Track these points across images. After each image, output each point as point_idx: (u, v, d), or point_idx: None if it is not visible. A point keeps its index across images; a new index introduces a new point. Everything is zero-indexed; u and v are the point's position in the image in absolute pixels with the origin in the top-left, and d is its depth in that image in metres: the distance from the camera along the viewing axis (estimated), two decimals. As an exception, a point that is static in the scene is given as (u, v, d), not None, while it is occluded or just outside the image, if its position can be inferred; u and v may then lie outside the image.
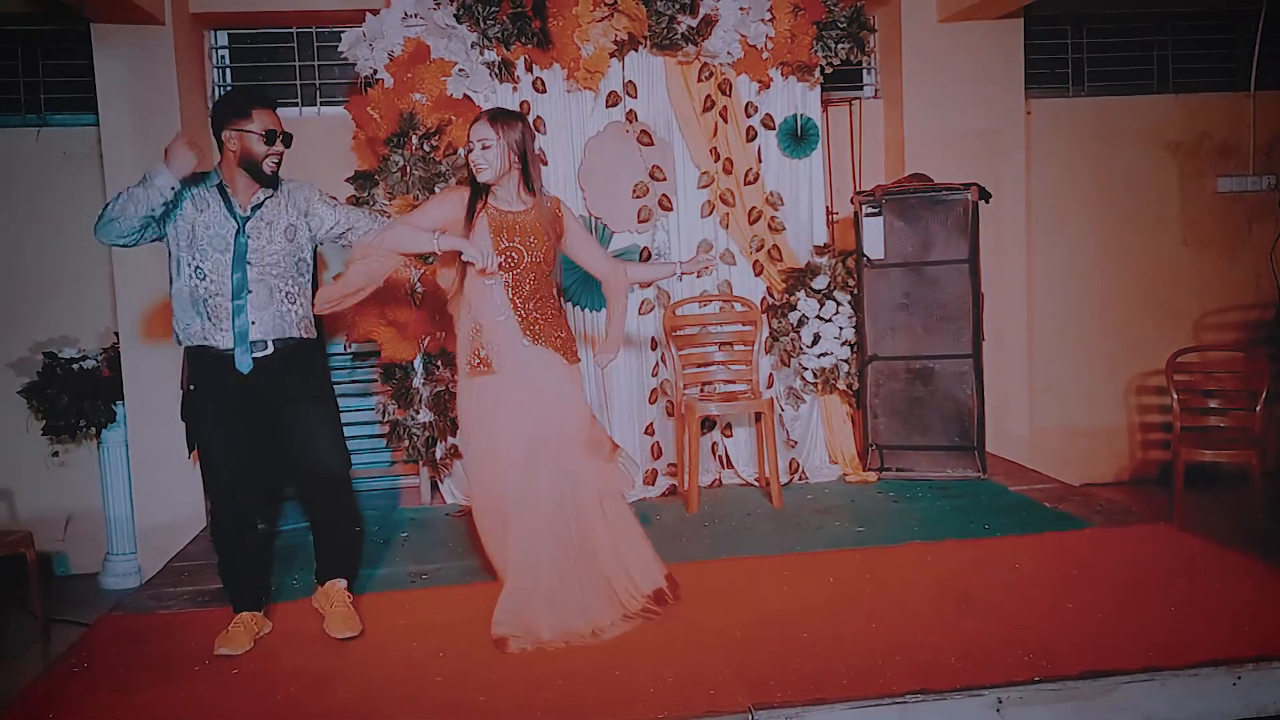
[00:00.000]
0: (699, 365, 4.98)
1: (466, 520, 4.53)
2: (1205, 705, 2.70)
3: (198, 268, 3.24)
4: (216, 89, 5.58)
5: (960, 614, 3.18)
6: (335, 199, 3.51)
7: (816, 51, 4.97)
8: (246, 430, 3.33)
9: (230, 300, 3.24)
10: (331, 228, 3.45)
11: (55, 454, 5.43)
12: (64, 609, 4.87)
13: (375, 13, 4.69)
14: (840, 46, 4.98)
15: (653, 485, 4.95)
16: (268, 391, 3.30)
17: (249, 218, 3.29)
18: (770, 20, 4.86)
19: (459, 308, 3.41)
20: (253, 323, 3.26)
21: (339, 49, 4.81)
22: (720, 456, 5.13)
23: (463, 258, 3.25)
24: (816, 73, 5.04)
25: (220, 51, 5.60)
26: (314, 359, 3.50)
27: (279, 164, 3.32)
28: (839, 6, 4.96)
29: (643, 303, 4.98)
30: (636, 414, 5.00)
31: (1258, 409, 5.06)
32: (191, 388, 3.32)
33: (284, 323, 3.32)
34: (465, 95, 4.72)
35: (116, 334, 5.23)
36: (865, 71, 6.01)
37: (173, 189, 3.10)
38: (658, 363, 5.03)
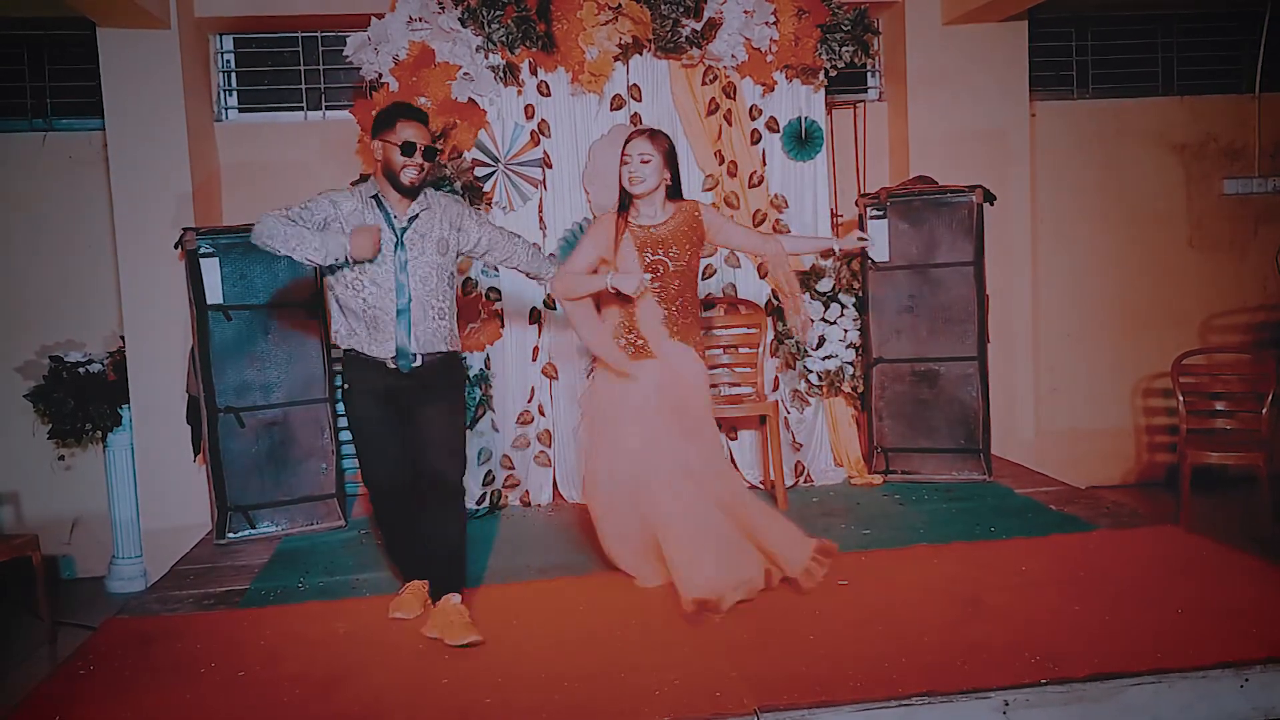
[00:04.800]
0: (704, 368, 4.97)
1: (468, 523, 4.54)
2: (1213, 707, 2.69)
3: (357, 279, 3.32)
4: (222, 93, 5.60)
5: (966, 616, 3.17)
6: (484, 216, 3.72)
7: (821, 54, 4.97)
8: (394, 425, 3.44)
9: (388, 312, 3.32)
10: (474, 245, 3.56)
11: (61, 458, 5.45)
12: (70, 612, 4.88)
13: (380, 17, 4.70)
14: (844, 49, 4.98)
15: (658, 488, 4.95)
16: (410, 394, 3.39)
17: (406, 229, 3.35)
18: (774, 23, 4.86)
19: (612, 306, 3.59)
20: (409, 337, 3.35)
21: (344, 53, 4.81)
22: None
23: (622, 291, 3.42)
24: (821, 76, 5.04)
25: (225, 56, 5.61)
26: (454, 370, 3.56)
27: (420, 176, 3.34)
28: (843, 9, 4.96)
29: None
30: (641, 417, 4.99)
31: (1264, 411, 5.05)
32: (346, 387, 3.46)
33: (435, 338, 3.40)
34: (470, 99, 4.72)
35: (122, 337, 5.24)
36: (869, 74, 6.01)
37: (333, 262, 3.23)
38: (662, 366, 5.02)
